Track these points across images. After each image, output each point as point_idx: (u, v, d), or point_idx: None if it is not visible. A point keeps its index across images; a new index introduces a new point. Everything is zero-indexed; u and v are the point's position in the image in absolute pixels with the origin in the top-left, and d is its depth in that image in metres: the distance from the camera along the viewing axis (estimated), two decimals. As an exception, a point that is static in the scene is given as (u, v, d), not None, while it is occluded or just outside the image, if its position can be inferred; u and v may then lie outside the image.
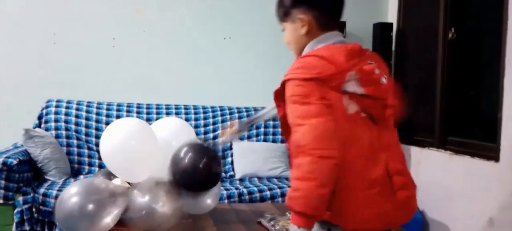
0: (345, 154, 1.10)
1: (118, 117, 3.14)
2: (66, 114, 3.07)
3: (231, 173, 3.18)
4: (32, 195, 2.42)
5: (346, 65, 1.14)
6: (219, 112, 3.37)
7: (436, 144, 3.12)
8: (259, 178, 3.04)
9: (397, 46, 3.67)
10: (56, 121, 3.04)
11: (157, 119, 3.20)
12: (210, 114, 3.35)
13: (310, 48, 1.24)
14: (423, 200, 3.18)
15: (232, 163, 3.22)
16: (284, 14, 1.28)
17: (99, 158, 3.04)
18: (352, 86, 1.14)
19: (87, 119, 3.09)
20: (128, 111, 3.19)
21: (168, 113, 3.26)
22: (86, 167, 3.01)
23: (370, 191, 1.15)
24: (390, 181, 1.18)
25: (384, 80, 1.21)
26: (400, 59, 3.65)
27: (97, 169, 3.01)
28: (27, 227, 2.36)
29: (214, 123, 3.32)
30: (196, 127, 3.27)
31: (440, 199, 3.03)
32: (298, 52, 1.28)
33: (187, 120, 3.27)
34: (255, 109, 3.43)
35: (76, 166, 2.99)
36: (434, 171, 3.13)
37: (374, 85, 1.18)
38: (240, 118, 3.37)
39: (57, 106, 3.09)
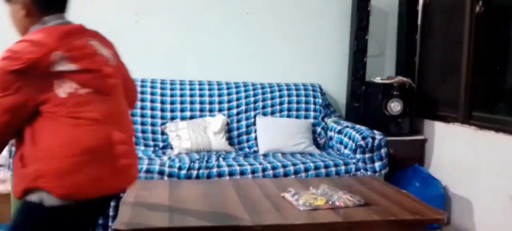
0: (50, 124, 1.23)
1: (142, 92, 3.19)
2: (92, 90, 3.13)
3: (255, 148, 3.21)
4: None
5: (54, 45, 1.22)
6: (242, 88, 3.39)
7: (461, 119, 3.09)
8: (283, 154, 3.07)
9: (423, 20, 3.59)
10: (83, 97, 3.10)
11: (181, 95, 3.25)
12: (234, 90, 3.36)
13: (32, 31, 1.31)
14: (446, 175, 3.18)
15: (255, 138, 3.25)
16: None
17: (125, 133, 3.11)
18: (63, 66, 1.23)
19: (112, 95, 3.14)
20: (152, 87, 3.23)
21: (191, 89, 3.29)
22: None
23: (80, 158, 1.25)
24: (111, 149, 1.31)
25: (104, 53, 1.36)
26: (426, 34, 3.58)
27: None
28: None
29: (237, 99, 3.34)
30: (219, 102, 3.30)
31: (464, 174, 3.02)
32: (23, 35, 1.34)
33: (210, 96, 3.31)
34: (278, 86, 3.43)
35: (103, 140, 3.07)
36: (458, 146, 3.11)
37: (88, 59, 1.29)
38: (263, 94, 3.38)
39: (83, 83, 3.15)
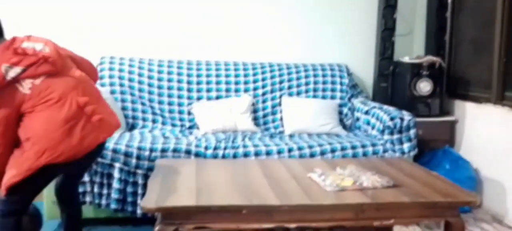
0: (31, 117, 1.61)
1: (169, 73, 3.22)
2: (120, 70, 3.17)
3: (281, 129, 3.20)
4: (93, 147, 2.57)
5: (1, 59, 1.57)
6: (268, 69, 3.36)
7: (493, 99, 2.99)
8: (309, 134, 3.04)
9: (454, -1, 3.46)
10: (110, 77, 3.14)
11: (207, 75, 3.26)
12: (259, 70, 3.34)
13: None
14: (477, 157, 3.09)
15: (281, 119, 3.23)
16: None
17: (153, 113, 3.16)
18: (13, 72, 1.58)
19: (139, 75, 3.18)
20: (178, 68, 3.25)
21: (217, 69, 3.29)
22: (140, 122, 3.13)
23: (63, 128, 1.64)
24: (82, 111, 1.70)
25: (37, 47, 1.65)
26: (457, 11, 3.45)
27: (150, 124, 3.13)
28: (86, 178, 2.51)
29: (263, 79, 3.32)
30: (245, 83, 3.29)
31: (496, 156, 2.94)
32: None
33: (236, 76, 3.30)
34: (304, 66, 3.39)
35: (130, 121, 3.12)
36: (490, 127, 3.01)
37: (25, 58, 1.61)
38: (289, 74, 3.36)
39: (110, 63, 3.19)
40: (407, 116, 2.82)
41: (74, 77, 1.78)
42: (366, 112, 3.08)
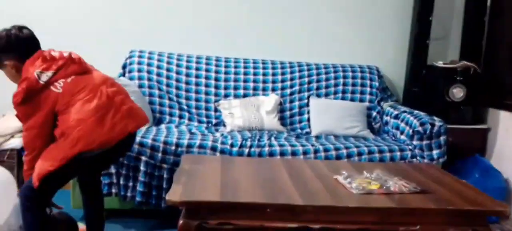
0: (65, 114, 1.73)
1: (197, 68, 3.24)
2: (148, 65, 3.21)
3: (307, 130, 3.18)
4: (120, 139, 2.61)
5: (32, 70, 1.72)
6: (297, 68, 3.34)
7: (529, 108, 2.87)
8: (336, 136, 3.01)
9: (492, 1, 3.33)
10: (139, 70, 3.18)
11: (235, 73, 3.26)
12: (288, 70, 3.33)
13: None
14: (509, 167, 2.97)
15: (308, 120, 3.21)
16: None
17: (180, 109, 3.19)
18: (45, 76, 1.72)
19: (167, 70, 3.22)
20: (206, 64, 3.27)
21: (246, 67, 3.29)
22: (167, 117, 3.17)
23: (94, 116, 1.73)
24: (111, 101, 1.80)
25: (57, 55, 1.81)
26: (495, 15, 3.32)
27: (177, 119, 3.16)
28: (112, 170, 2.55)
29: (291, 79, 3.30)
30: (273, 82, 3.28)
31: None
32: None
33: (264, 75, 3.29)
34: (334, 66, 3.35)
35: (157, 115, 3.16)
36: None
37: (51, 62, 1.76)
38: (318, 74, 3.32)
39: (139, 57, 3.23)
40: (438, 121, 2.73)
41: (99, 74, 1.92)
42: (396, 117, 3.01)
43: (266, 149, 2.64)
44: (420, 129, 2.72)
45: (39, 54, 1.78)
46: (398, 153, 2.70)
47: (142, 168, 2.52)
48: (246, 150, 2.62)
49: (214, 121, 3.18)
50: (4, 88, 3.13)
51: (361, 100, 3.28)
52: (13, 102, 1.73)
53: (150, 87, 3.17)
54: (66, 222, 2.15)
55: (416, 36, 3.31)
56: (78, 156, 1.72)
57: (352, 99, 3.27)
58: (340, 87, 3.29)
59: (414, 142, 2.75)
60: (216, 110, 3.20)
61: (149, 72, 3.19)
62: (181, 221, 1.61)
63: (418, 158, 2.71)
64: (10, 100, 2.53)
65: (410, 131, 2.78)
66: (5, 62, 1.80)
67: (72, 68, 1.81)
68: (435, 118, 2.77)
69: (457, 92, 3.13)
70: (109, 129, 1.76)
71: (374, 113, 3.25)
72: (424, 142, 2.73)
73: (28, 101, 1.72)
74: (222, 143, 2.64)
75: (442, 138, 2.72)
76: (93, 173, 2.12)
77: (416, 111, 2.93)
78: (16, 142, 3.15)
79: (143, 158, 2.52)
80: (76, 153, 1.70)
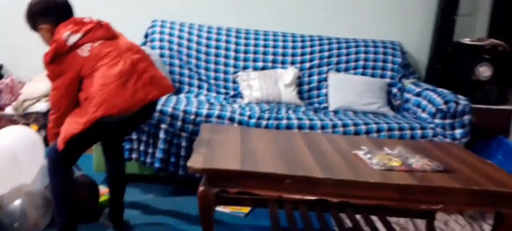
0: (90, 78, 1.76)
1: (217, 40, 3.21)
2: (170, 34, 3.20)
3: (325, 104, 3.14)
4: (140, 107, 2.62)
5: (62, 31, 1.77)
6: (317, 42, 3.28)
7: None
8: (354, 112, 2.97)
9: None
10: (160, 40, 3.19)
11: (255, 45, 3.23)
12: (308, 43, 3.27)
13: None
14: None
15: (326, 95, 3.17)
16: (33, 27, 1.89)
17: (198, 79, 3.18)
18: (73, 38, 1.76)
19: (188, 40, 3.20)
20: (226, 35, 3.24)
21: (265, 39, 3.25)
22: (186, 87, 3.17)
23: (117, 81, 1.76)
24: (134, 69, 1.82)
25: (86, 19, 1.86)
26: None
27: (196, 89, 3.16)
28: (133, 136, 2.59)
29: (311, 53, 3.25)
30: (292, 55, 3.23)
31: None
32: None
33: (284, 47, 3.25)
34: (355, 41, 3.28)
35: (177, 84, 3.16)
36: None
37: (81, 25, 1.81)
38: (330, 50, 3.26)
39: (161, 27, 3.23)
40: (462, 100, 2.67)
41: (125, 41, 1.94)
42: (418, 94, 2.95)
43: (284, 121, 2.62)
44: (443, 107, 2.66)
45: (72, 19, 1.84)
46: (419, 131, 2.65)
47: (161, 135, 2.55)
48: (264, 122, 2.61)
49: (232, 92, 3.17)
50: (31, 54, 3.19)
51: (382, 76, 3.21)
52: (43, 62, 1.78)
53: (170, 57, 3.16)
54: (88, 184, 2.20)
55: (443, 11, 3.20)
56: (100, 120, 1.74)
57: (373, 75, 3.21)
58: (361, 63, 3.23)
59: (436, 121, 2.70)
60: (234, 82, 3.18)
61: (170, 42, 3.18)
62: (201, 188, 1.62)
63: (439, 137, 2.66)
64: (37, 65, 2.60)
65: (433, 109, 2.73)
66: (41, 26, 1.85)
67: (99, 32, 1.84)
68: (460, 96, 2.71)
69: (484, 71, 3.04)
70: (130, 95, 1.78)
71: (394, 90, 3.19)
72: (447, 121, 2.67)
73: (56, 61, 1.76)
74: (240, 114, 2.63)
75: (466, 117, 2.66)
76: (116, 139, 2.15)
77: (439, 89, 2.86)
78: (42, 106, 3.22)
79: (163, 126, 2.54)
80: (99, 117, 1.72)
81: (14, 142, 2.08)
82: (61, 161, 1.81)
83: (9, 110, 3.21)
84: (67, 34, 1.77)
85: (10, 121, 3.18)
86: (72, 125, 1.75)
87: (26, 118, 3.18)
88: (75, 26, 1.80)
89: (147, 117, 2.08)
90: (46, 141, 2.10)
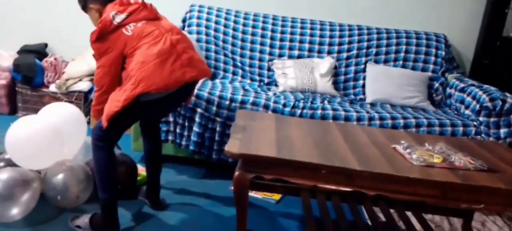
0: (132, 57, 1.81)
1: (254, 26, 3.19)
2: (207, 20, 3.21)
3: (361, 96, 3.08)
4: (176, 90, 2.65)
5: (108, 11, 1.85)
6: (356, 31, 3.20)
7: None
8: (392, 105, 2.89)
9: None
10: (198, 25, 3.20)
11: (291, 32, 3.19)
12: (347, 33, 3.20)
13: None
14: None
15: (363, 86, 3.10)
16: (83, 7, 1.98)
17: (233, 65, 3.18)
18: (119, 18, 1.83)
19: (225, 26, 3.20)
20: (263, 22, 3.22)
21: (303, 28, 3.20)
22: (221, 72, 3.18)
23: (156, 60, 1.79)
24: (174, 49, 1.85)
25: (132, 0, 1.94)
26: None
27: (230, 75, 3.16)
28: (170, 118, 2.62)
29: (349, 42, 3.18)
30: (330, 44, 3.17)
31: None
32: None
33: (321, 36, 3.19)
34: (397, 32, 3.18)
35: (212, 70, 3.17)
36: None
37: (126, 6, 1.88)
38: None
39: (199, 11, 3.24)
40: (510, 98, 2.54)
41: (167, 22, 1.99)
42: (461, 90, 2.83)
43: (319, 111, 2.59)
44: (489, 104, 2.55)
45: (119, 0, 1.91)
46: (461, 128, 2.55)
47: (197, 119, 2.57)
48: (298, 111, 2.58)
49: (266, 80, 3.15)
50: (74, 34, 3.28)
51: (424, 69, 3.11)
52: (90, 40, 1.84)
53: (207, 42, 3.17)
54: (127, 163, 2.26)
55: (493, 3, 3.05)
56: (139, 98, 1.77)
57: (414, 68, 3.11)
58: (402, 54, 3.13)
59: (480, 118, 2.59)
60: (269, 69, 3.16)
61: (207, 27, 3.19)
62: (237, 173, 1.62)
63: (482, 135, 2.55)
64: (80, 45, 2.64)
65: (477, 106, 2.61)
66: (90, 6, 1.94)
67: (143, 13, 1.89)
68: (507, 94, 2.58)
69: (534, 69, 2.88)
70: (168, 74, 1.80)
71: (436, 85, 3.08)
72: (492, 119, 2.55)
73: (102, 40, 1.82)
74: (275, 102, 2.62)
75: (512, 117, 2.54)
76: (153, 120, 2.19)
77: (485, 86, 2.73)
78: (84, 85, 3.32)
79: (199, 110, 2.56)
80: (137, 94, 1.76)
81: (58, 118, 2.15)
82: (104, 139, 1.87)
83: (52, 88, 3.32)
84: (113, 13, 1.83)
85: (54, 98, 3.30)
86: (113, 103, 1.79)
87: (68, 96, 3.30)
88: (121, 6, 1.87)
89: (184, 99, 2.10)
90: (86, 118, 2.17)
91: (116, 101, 1.79)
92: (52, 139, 2.07)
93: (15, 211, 1.88)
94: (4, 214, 1.87)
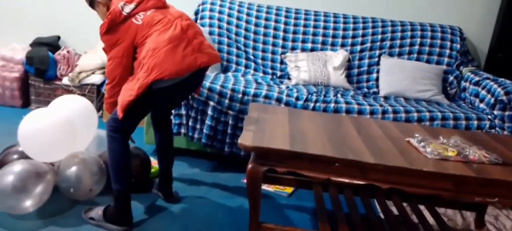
0: (147, 40, 1.83)
1: (266, 19, 3.19)
2: (220, 12, 3.21)
3: (375, 89, 3.06)
4: (189, 83, 2.66)
5: (116, 2, 1.85)
6: (370, 24, 3.18)
7: None
8: (406, 99, 2.87)
9: None
10: (210, 18, 3.21)
11: (304, 25, 3.17)
12: (361, 25, 3.18)
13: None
14: None
15: (377, 79, 3.08)
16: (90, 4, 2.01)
17: (246, 58, 3.18)
18: (127, 8, 1.84)
19: (238, 18, 3.20)
20: (276, 15, 3.21)
21: (316, 20, 3.19)
22: (233, 65, 3.18)
23: (168, 45, 1.80)
24: (184, 34, 1.86)
25: None
26: None
27: (243, 68, 3.16)
28: (183, 111, 2.64)
29: (363, 35, 3.16)
30: (343, 37, 3.15)
31: None
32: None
33: (335, 29, 3.17)
34: (412, 24, 3.14)
35: (225, 63, 3.18)
36: None
37: None
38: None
39: (212, 4, 3.24)
40: (526, 92, 2.51)
41: (175, 10, 1.99)
42: (476, 83, 2.80)
43: (332, 105, 2.58)
44: (504, 98, 2.51)
45: None
46: (475, 122, 2.53)
47: (209, 112, 2.58)
48: (311, 104, 2.58)
49: (279, 73, 3.15)
50: (87, 27, 3.31)
51: (438, 62, 3.07)
52: (100, 33, 1.85)
53: (219, 35, 3.18)
54: (141, 156, 2.28)
55: (510, -4, 3.00)
56: (152, 85, 1.78)
57: (428, 61, 3.08)
58: (416, 47, 3.10)
59: (495, 112, 2.56)
60: (282, 62, 3.16)
61: (219, 19, 3.19)
62: (250, 165, 1.63)
63: (497, 129, 2.52)
64: (92, 38, 2.67)
65: (492, 100, 2.58)
66: (98, 1, 1.95)
67: (151, 2, 1.90)
68: (523, 88, 2.55)
69: (551, 62, 2.83)
70: (179, 60, 1.81)
71: (451, 78, 3.04)
72: (507, 113, 2.52)
73: (112, 31, 1.83)
74: (288, 95, 2.61)
75: (528, 110, 2.50)
76: (166, 110, 2.20)
77: (500, 79, 2.70)
78: (96, 78, 3.35)
79: (211, 103, 2.57)
80: (151, 81, 1.77)
81: (71, 111, 2.18)
82: (119, 131, 1.89)
83: (65, 81, 3.36)
84: (122, 4, 1.84)
85: (67, 91, 3.34)
86: (127, 93, 1.81)
87: (81, 89, 3.33)
88: None
89: (195, 87, 2.09)
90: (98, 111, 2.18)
91: (130, 90, 1.80)
92: (65, 131, 2.10)
93: (28, 203, 1.91)
94: (18, 206, 1.90)
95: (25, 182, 1.89)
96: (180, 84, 1.85)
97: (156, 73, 1.77)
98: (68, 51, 3.42)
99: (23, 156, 2.10)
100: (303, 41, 3.16)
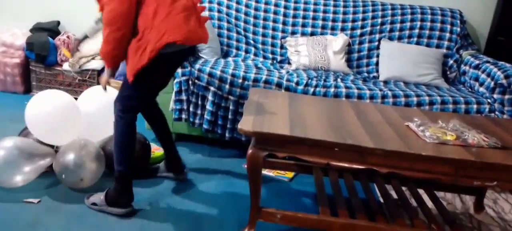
0: (147, 5, 1.76)
1: (266, 3, 3.16)
2: (219, -3, 3.19)
3: (375, 74, 3.06)
4: (189, 69, 2.66)
5: None
6: (370, 8, 3.15)
7: None
8: (406, 83, 2.87)
9: None
10: (210, 1, 3.18)
11: (304, 9, 3.15)
12: (361, 9, 3.15)
13: None
14: None
15: (377, 64, 3.08)
16: None
17: (246, 43, 3.17)
18: None
19: (237, 3, 3.18)
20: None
21: (316, 4, 3.16)
22: (234, 50, 3.18)
23: (182, 13, 1.80)
24: (195, 7, 1.87)
25: None
26: None
27: (243, 53, 3.16)
28: (184, 97, 2.65)
29: (363, 19, 3.13)
30: (343, 21, 3.13)
31: None
32: None
33: (335, 13, 3.15)
34: (412, 8, 3.12)
35: (225, 48, 3.17)
36: None
37: None
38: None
39: (211, -11, 3.22)
40: (526, 75, 2.51)
41: None
42: (476, 67, 2.80)
43: (332, 89, 2.58)
44: (504, 81, 2.52)
45: None
46: (475, 106, 2.53)
47: (210, 97, 2.59)
48: (311, 89, 2.58)
49: (279, 58, 3.14)
50: (88, 13, 3.28)
51: (438, 46, 3.06)
52: None
53: (219, 19, 3.16)
54: (141, 142, 2.30)
55: (512, -22, 2.98)
56: (162, 50, 1.75)
57: (428, 45, 3.07)
58: (416, 31, 3.09)
59: (495, 95, 2.56)
60: (282, 47, 3.15)
61: (219, 4, 3.17)
62: (250, 150, 1.64)
63: (497, 113, 2.53)
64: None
65: (492, 83, 2.58)
66: None
67: None
68: (523, 71, 2.55)
69: (551, 45, 2.82)
70: (191, 29, 1.81)
71: (450, 62, 3.04)
72: (506, 96, 2.53)
73: None
74: (288, 80, 2.62)
75: (528, 94, 2.51)
76: (152, 99, 2.17)
77: (500, 63, 2.69)
78: (97, 64, 3.35)
79: (212, 88, 2.58)
80: (164, 43, 1.74)
81: (68, 101, 2.19)
82: (129, 109, 1.88)
83: (66, 66, 3.36)
84: None
85: (67, 76, 3.34)
86: (138, 58, 1.76)
87: (82, 75, 3.34)
88: None
89: (184, 61, 2.11)
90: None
91: (140, 55, 1.75)
92: (65, 119, 2.11)
93: (18, 178, 2.00)
94: (7, 181, 1.99)
95: (16, 158, 1.97)
96: (183, 53, 1.88)
97: (168, 36, 1.74)
98: (68, 37, 3.41)
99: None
100: (303, 25, 3.15)
